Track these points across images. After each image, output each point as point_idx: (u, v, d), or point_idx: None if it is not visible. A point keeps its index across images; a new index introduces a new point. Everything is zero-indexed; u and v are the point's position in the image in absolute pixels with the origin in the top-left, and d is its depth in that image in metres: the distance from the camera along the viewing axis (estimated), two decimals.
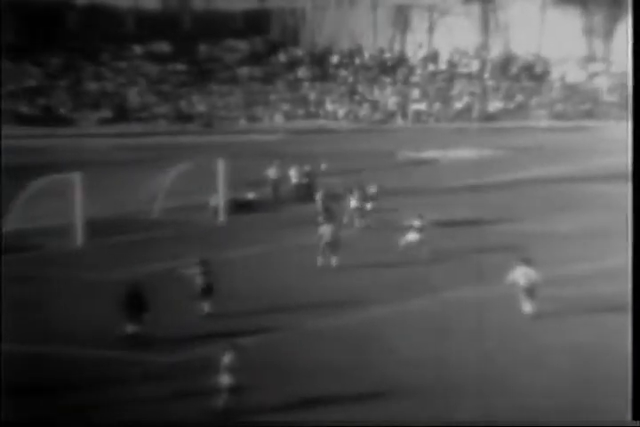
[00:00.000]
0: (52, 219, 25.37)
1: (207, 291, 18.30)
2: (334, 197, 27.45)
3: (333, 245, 21.84)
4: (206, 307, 18.40)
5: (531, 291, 18.27)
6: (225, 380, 14.01)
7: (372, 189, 27.12)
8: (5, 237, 24.54)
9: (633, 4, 13.02)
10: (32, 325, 18.32)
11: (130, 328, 16.99)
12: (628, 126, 13.04)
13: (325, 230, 22.08)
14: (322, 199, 27.01)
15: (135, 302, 17.05)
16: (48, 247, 24.27)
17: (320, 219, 25.06)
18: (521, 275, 18.29)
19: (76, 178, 24.90)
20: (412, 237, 22.92)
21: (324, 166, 32.41)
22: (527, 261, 18.42)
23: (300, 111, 53.37)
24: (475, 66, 56.75)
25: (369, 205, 26.41)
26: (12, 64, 53.36)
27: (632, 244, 12.52)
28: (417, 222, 23.15)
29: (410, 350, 16.65)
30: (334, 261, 21.85)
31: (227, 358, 14.12)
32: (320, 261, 21.93)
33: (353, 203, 26.05)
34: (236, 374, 14.02)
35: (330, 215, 25.12)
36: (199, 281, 18.30)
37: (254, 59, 57.30)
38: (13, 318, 18.64)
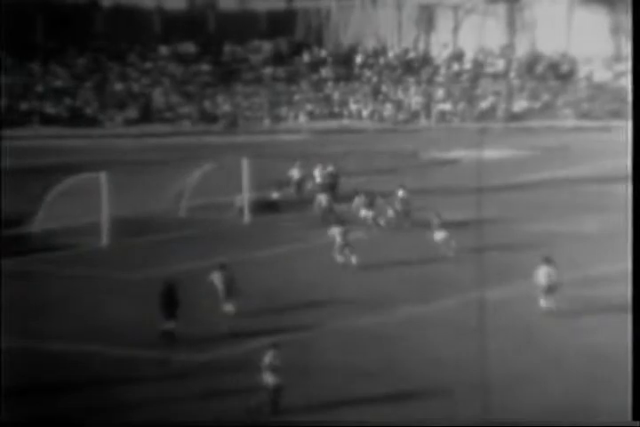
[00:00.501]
0: (79, 218, 25.64)
1: (229, 293, 18.67)
2: (344, 198, 27.55)
3: (345, 246, 22.16)
4: (230, 308, 18.65)
5: (551, 290, 18.37)
6: (268, 379, 14.07)
7: (401, 193, 26.66)
8: (34, 236, 24.87)
9: (633, 3, 12.94)
10: (59, 322, 18.54)
11: (165, 325, 17.23)
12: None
13: (334, 231, 22.39)
14: (326, 200, 27.18)
15: (169, 300, 17.30)
16: (74, 246, 24.53)
17: (322, 220, 25.49)
18: (542, 274, 18.46)
19: (103, 178, 25.17)
20: (438, 235, 23.03)
21: (333, 168, 31.35)
22: (548, 261, 18.58)
23: (324, 111, 53.44)
24: (500, 65, 56.47)
25: (382, 209, 26.21)
26: (40, 65, 53.94)
27: (632, 245, 12.51)
28: (436, 220, 23.20)
29: (434, 350, 16.66)
30: (353, 260, 22.00)
31: (268, 358, 14.20)
32: (337, 260, 22.15)
33: (363, 212, 26.05)
34: (277, 374, 14.08)
35: (334, 217, 25.28)
36: (221, 286, 18.65)
37: (279, 59, 57.45)
38: (41, 315, 18.90)
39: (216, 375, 15.68)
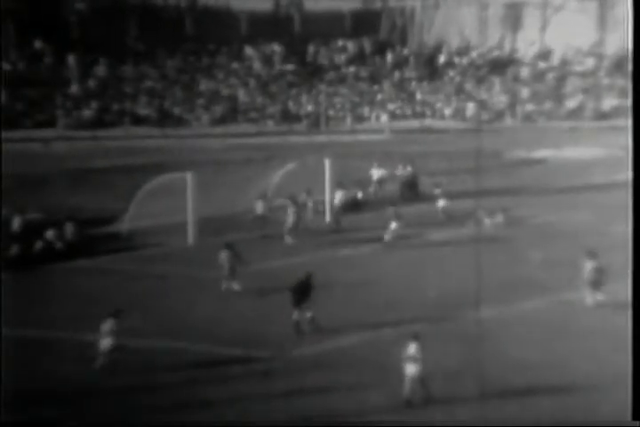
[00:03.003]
0: (166, 217, 26.40)
1: (234, 271, 20.29)
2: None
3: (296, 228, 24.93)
4: (235, 286, 20.02)
5: (596, 284, 18.40)
6: (410, 370, 14.60)
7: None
8: (123, 234, 25.79)
9: (633, 3, 12.71)
10: (145, 320, 19.17)
11: (297, 315, 17.84)
12: None
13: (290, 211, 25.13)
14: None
15: (304, 291, 17.89)
16: (161, 245, 25.25)
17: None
18: (588, 269, 18.64)
19: (189, 177, 25.84)
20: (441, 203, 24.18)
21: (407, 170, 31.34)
22: (593, 255, 18.71)
23: (407, 111, 53.31)
24: (589, 63, 55.17)
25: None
26: (132, 66, 55.62)
27: (632, 246, 12.32)
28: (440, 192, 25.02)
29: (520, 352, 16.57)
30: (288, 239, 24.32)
31: (411, 349, 14.70)
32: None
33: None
34: (419, 364, 14.36)
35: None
36: (226, 263, 20.19)
37: (362, 58, 57.61)
38: (129, 313, 19.58)
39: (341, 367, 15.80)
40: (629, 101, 12.59)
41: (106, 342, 16.34)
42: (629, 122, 12.69)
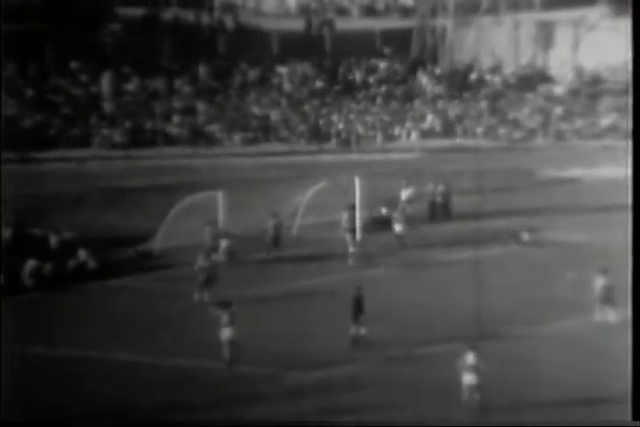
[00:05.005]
0: (198, 236, 26.55)
1: (208, 283, 21.42)
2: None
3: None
4: (205, 298, 20.92)
5: (609, 300, 18.45)
6: (469, 379, 15.01)
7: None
8: (154, 253, 26.00)
9: (633, 4, 12.63)
10: (174, 339, 19.25)
11: (354, 330, 18.07)
12: None
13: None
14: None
15: (358, 305, 18.18)
16: (191, 264, 25.34)
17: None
18: (599, 285, 18.70)
19: (220, 196, 26.03)
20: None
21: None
22: (604, 271, 18.72)
23: (438, 130, 53.27)
24: (623, 81, 54.80)
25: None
26: (164, 85, 56.29)
27: (632, 248, 12.18)
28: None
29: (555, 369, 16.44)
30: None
31: (469, 358, 15.06)
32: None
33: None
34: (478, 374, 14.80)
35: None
36: (202, 274, 21.27)
37: (393, 77, 57.80)
38: (158, 332, 19.70)
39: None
40: (630, 108, 12.60)
41: (225, 333, 17.46)
42: (629, 125, 12.63)
